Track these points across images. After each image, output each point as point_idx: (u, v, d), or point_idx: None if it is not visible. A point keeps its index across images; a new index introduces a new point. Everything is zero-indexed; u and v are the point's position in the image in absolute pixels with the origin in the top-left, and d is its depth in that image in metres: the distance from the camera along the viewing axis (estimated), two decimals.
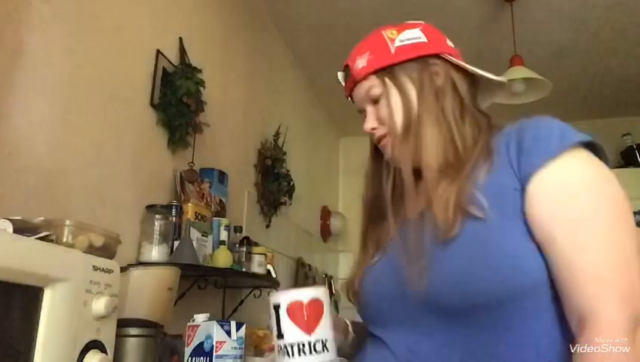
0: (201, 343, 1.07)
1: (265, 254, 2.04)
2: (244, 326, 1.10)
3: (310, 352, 0.67)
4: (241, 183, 2.42)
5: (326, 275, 3.67)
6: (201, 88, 1.86)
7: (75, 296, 0.75)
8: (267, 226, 2.71)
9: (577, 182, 0.67)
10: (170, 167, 1.80)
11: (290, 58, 3.32)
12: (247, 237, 2.02)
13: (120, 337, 0.95)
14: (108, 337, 0.82)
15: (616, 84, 3.67)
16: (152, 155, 1.70)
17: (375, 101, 0.84)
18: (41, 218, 0.84)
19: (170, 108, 1.75)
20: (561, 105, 3.85)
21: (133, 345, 1.01)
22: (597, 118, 4.22)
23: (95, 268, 0.80)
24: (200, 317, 1.13)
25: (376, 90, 0.83)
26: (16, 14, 1.18)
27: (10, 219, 0.79)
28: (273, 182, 2.70)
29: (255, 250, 2.01)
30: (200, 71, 1.89)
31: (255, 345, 1.96)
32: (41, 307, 0.69)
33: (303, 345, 0.68)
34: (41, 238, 0.78)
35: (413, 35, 0.83)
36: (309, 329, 0.68)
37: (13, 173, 1.14)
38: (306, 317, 0.68)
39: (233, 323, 1.08)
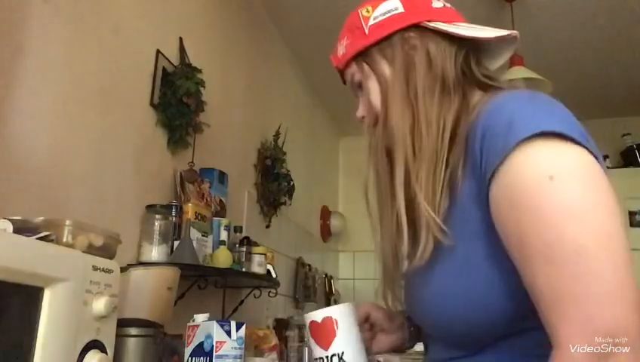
0: (201, 343, 1.07)
1: (265, 254, 2.04)
2: (244, 326, 1.10)
3: None
4: (241, 183, 2.42)
5: (326, 275, 3.67)
6: (201, 88, 1.86)
7: (75, 296, 0.75)
8: (267, 226, 2.71)
9: (524, 191, 0.54)
10: (170, 167, 1.80)
11: (290, 58, 3.32)
12: (247, 237, 2.02)
13: (120, 337, 0.95)
14: (108, 337, 0.82)
15: (616, 84, 3.67)
16: (152, 155, 1.70)
17: (360, 86, 0.79)
18: (41, 218, 0.84)
19: (170, 108, 1.75)
20: None
21: (133, 345, 1.01)
22: (597, 118, 4.21)
23: (95, 268, 0.80)
24: (200, 317, 1.13)
25: (358, 77, 0.79)
26: (16, 14, 1.18)
27: (10, 219, 0.79)
28: (273, 182, 2.70)
29: (255, 250, 2.01)
30: (200, 71, 1.89)
31: (255, 345, 1.96)
32: (41, 307, 0.69)
33: (322, 359, 0.77)
34: (41, 238, 0.78)
35: (389, 8, 0.75)
36: (325, 345, 0.77)
37: (13, 173, 1.14)
38: (322, 335, 0.77)
39: (233, 323, 1.08)
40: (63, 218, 0.85)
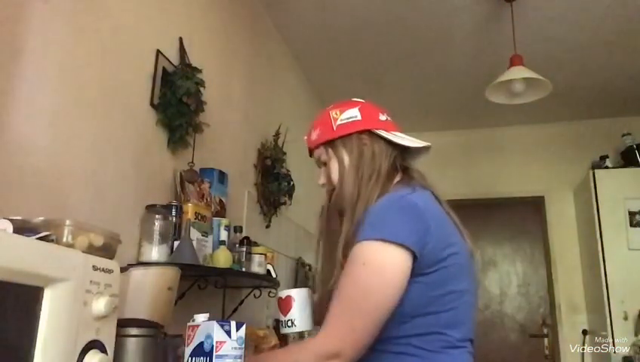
0: (201, 343, 1.07)
1: (265, 254, 2.04)
2: (244, 326, 1.10)
3: (284, 326, 1.18)
4: (241, 183, 2.42)
5: None
6: (201, 88, 1.86)
7: (75, 296, 0.75)
8: (267, 226, 2.71)
9: (350, 265, 0.96)
10: (170, 167, 1.80)
11: (290, 58, 3.32)
12: (247, 237, 2.02)
13: (120, 337, 0.95)
14: (108, 337, 0.82)
15: (616, 84, 3.67)
16: (152, 155, 1.70)
17: (324, 164, 1.14)
18: (41, 218, 0.84)
19: (170, 108, 1.75)
20: (561, 105, 3.85)
21: (133, 345, 1.01)
22: (597, 118, 4.22)
23: (95, 268, 0.80)
24: (200, 317, 1.13)
25: (324, 157, 1.13)
26: (16, 14, 1.18)
27: (10, 219, 0.79)
28: (273, 182, 2.70)
29: (255, 250, 2.01)
30: (200, 71, 1.89)
31: (255, 345, 1.96)
32: (41, 307, 0.69)
33: (282, 322, 1.19)
34: (41, 238, 0.78)
35: (351, 115, 1.10)
36: (284, 313, 1.18)
37: (14, 173, 1.14)
38: (284, 307, 1.18)
39: (233, 323, 1.08)
40: (63, 218, 0.85)
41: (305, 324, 1.17)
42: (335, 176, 1.10)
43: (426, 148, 1.13)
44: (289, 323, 1.17)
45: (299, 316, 1.17)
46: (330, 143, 1.11)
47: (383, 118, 1.13)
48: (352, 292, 0.94)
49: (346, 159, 1.09)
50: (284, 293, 1.20)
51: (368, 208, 1.01)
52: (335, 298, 0.95)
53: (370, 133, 1.09)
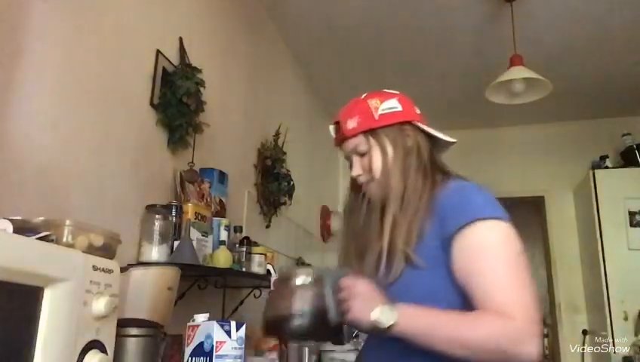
0: (201, 343, 1.07)
1: (265, 254, 2.04)
2: (244, 326, 1.10)
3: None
4: (241, 183, 2.42)
5: None
6: (201, 88, 1.86)
7: (75, 296, 0.75)
8: (267, 226, 2.71)
9: (483, 245, 0.92)
10: (170, 167, 1.80)
11: (290, 58, 3.32)
12: (247, 237, 2.02)
13: (120, 337, 0.95)
14: (108, 337, 0.82)
15: (616, 84, 3.67)
16: (152, 155, 1.70)
17: (361, 154, 1.08)
18: (41, 218, 0.84)
19: (170, 109, 1.75)
20: (561, 105, 3.85)
21: (133, 345, 1.01)
22: (597, 118, 4.22)
23: (95, 268, 0.80)
24: (200, 317, 1.13)
25: (363, 146, 1.07)
26: (16, 14, 1.18)
27: (10, 219, 0.79)
28: (273, 182, 2.70)
29: (255, 250, 2.01)
30: (200, 71, 1.89)
31: (255, 345, 1.96)
32: (41, 307, 0.69)
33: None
34: (41, 238, 0.78)
35: (392, 105, 1.07)
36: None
37: (14, 173, 1.14)
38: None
39: (233, 323, 1.08)
40: (63, 218, 0.85)
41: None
42: (377, 166, 1.05)
43: (451, 144, 1.13)
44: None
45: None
46: (371, 132, 1.06)
47: (418, 111, 1.12)
48: (516, 270, 0.91)
49: (390, 150, 1.05)
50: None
51: (441, 195, 0.99)
52: (501, 278, 0.90)
53: (411, 124, 1.07)
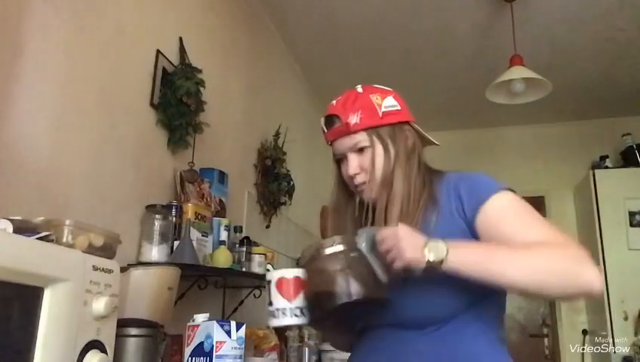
0: (201, 343, 1.07)
1: (265, 254, 2.04)
2: (244, 326, 1.10)
3: (291, 316, 0.89)
4: (241, 183, 2.42)
5: None
6: (201, 88, 1.86)
7: (75, 296, 0.75)
8: (267, 226, 2.71)
9: (504, 207, 0.98)
10: (170, 167, 1.80)
11: (290, 58, 3.32)
12: (247, 237, 2.02)
13: (120, 337, 0.95)
14: (108, 337, 0.82)
15: (616, 84, 3.67)
16: (152, 155, 1.70)
17: (360, 151, 1.04)
18: (41, 218, 0.84)
19: (170, 108, 1.75)
20: (561, 105, 3.85)
21: (133, 345, 1.01)
22: (597, 118, 4.22)
23: (95, 268, 0.80)
24: (200, 317, 1.13)
25: (364, 143, 1.03)
26: (16, 14, 1.18)
27: (10, 219, 0.79)
28: (273, 182, 2.70)
29: (255, 250, 2.01)
30: (200, 71, 1.89)
31: (255, 345, 1.96)
32: (41, 307, 0.69)
33: (285, 310, 0.89)
34: (41, 238, 0.78)
35: (392, 103, 1.06)
36: (290, 298, 0.90)
37: (14, 173, 1.14)
38: (290, 290, 0.91)
39: (233, 323, 1.08)
40: (63, 218, 0.85)
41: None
42: (379, 165, 1.03)
43: (435, 145, 1.14)
44: (296, 312, 0.90)
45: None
46: (374, 130, 1.03)
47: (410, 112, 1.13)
48: (540, 218, 1.00)
49: (392, 148, 1.04)
50: (289, 272, 0.93)
51: (449, 183, 1.04)
52: (532, 223, 0.98)
53: (409, 125, 1.07)
